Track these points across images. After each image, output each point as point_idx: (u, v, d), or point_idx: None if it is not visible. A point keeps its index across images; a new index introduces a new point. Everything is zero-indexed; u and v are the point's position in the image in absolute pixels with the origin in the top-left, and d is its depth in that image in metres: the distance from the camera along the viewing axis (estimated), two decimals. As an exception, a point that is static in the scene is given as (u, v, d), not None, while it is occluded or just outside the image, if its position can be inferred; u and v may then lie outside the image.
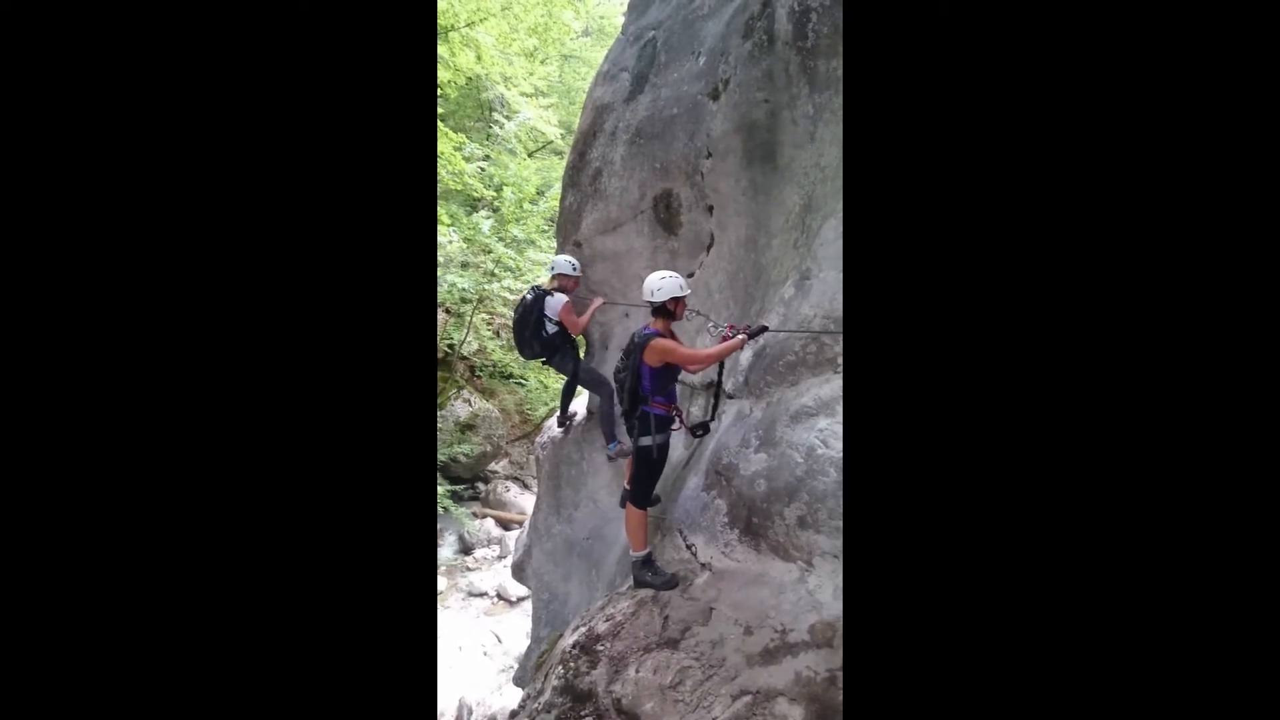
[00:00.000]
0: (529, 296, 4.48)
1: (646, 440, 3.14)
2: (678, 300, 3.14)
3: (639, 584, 3.07)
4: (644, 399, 3.10)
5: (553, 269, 4.56)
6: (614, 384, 3.23)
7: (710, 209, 4.01)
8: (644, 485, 3.20)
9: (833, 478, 2.71)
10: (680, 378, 3.54)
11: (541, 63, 13.65)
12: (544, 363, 4.71)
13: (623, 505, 3.93)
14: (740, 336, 2.96)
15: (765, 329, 3.05)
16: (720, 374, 3.42)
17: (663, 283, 3.11)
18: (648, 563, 3.12)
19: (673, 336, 3.20)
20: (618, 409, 3.47)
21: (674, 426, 3.27)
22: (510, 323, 12.27)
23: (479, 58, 10.88)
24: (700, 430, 3.29)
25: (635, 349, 3.08)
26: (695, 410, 3.98)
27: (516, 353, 4.59)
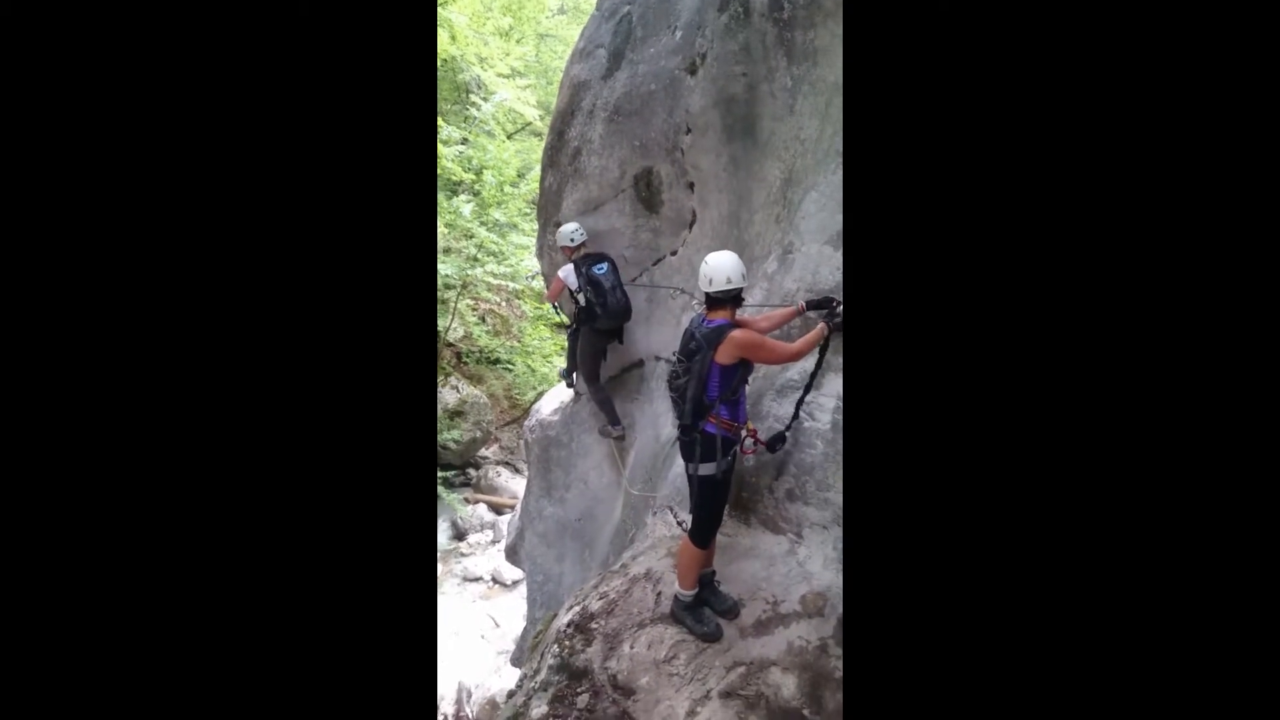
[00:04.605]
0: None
1: (709, 468, 2.50)
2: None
3: (675, 621, 2.65)
4: (708, 409, 2.48)
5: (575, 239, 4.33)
6: (671, 394, 2.64)
7: (691, 186, 3.98)
8: (709, 520, 2.58)
9: (820, 450, 2.73)
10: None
11: (517, 42, 13.42)
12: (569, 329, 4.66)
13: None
14: (820, 326, 2.53)
15: (832, 301, 2.62)
16: (817, 369, 2.71)
17: (722, 263, 2.47)
18: (692, 607, 2.62)
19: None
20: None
21: (745, 449, 2.65)
22: (496, 308, 12.28)
23: (453, 38, 10.69)
24: (779, 444, 2.69)
25: (702, 346, 2.43)
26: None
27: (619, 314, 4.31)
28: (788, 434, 2.73)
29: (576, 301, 4.31)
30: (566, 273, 4.25)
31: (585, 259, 4.23)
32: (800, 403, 2.75)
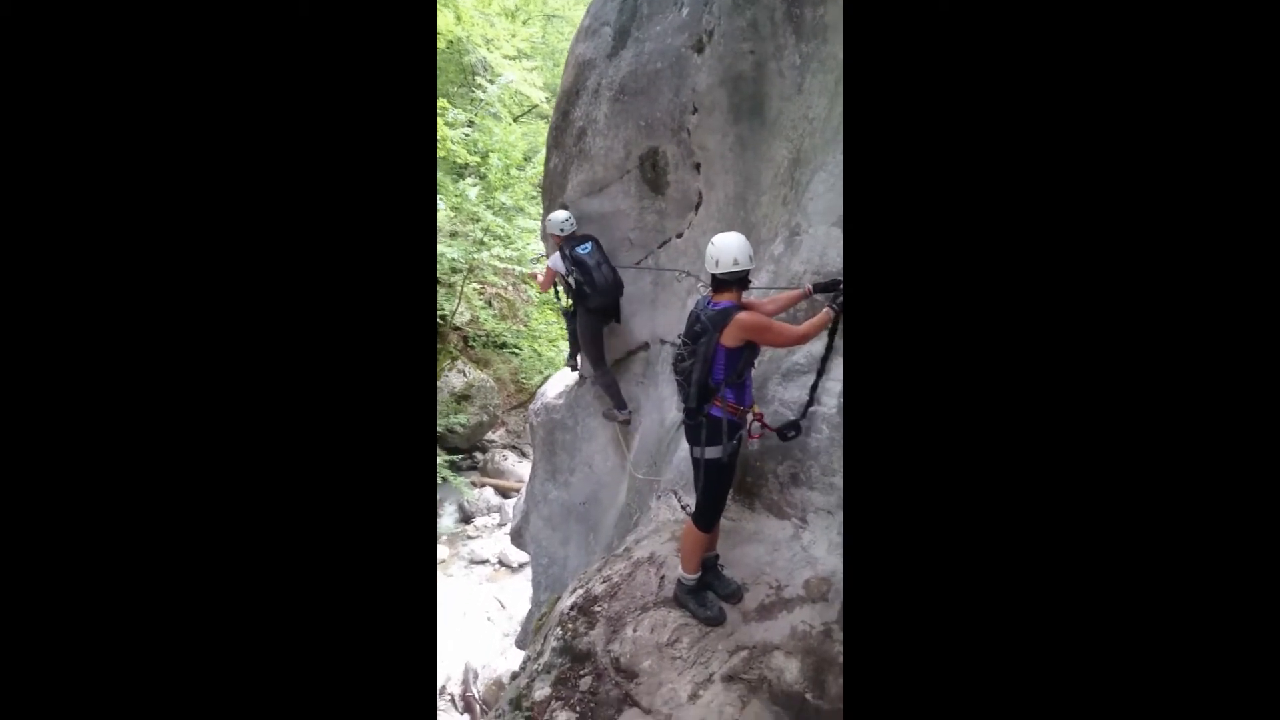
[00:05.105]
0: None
1: (714, 452, 2.49)
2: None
3: (678, 605, 2.65)
4: (713, 393, 2.45)
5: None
6: (676, 377, 2.62)
7: (697, 167, 3.93)
8: (714, 503, 2.58)
9: (825, 434, 2.70)
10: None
11: (524, 23, 13.28)
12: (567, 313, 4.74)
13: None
14: (826, 309, 2.51)
15: (839, 283, 2.58)
16: (826, 354, 2.71)
17: (728, 245, 2.42)
18: (695, 591, 2.61)
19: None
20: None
21: (752, 433, 2.65)
22: (502, 291, 12.28)
23: (458, 19, 10.60)
24: (791, 432, 2.67)
25: (708, 329, 2.40)
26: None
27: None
28: (802, 422, 2.69)
29: (569, 285, 4.32)
30: (555, 260, 4.29)
31: (569, 241, 4.25)
32: (814, 389, 2.72)
